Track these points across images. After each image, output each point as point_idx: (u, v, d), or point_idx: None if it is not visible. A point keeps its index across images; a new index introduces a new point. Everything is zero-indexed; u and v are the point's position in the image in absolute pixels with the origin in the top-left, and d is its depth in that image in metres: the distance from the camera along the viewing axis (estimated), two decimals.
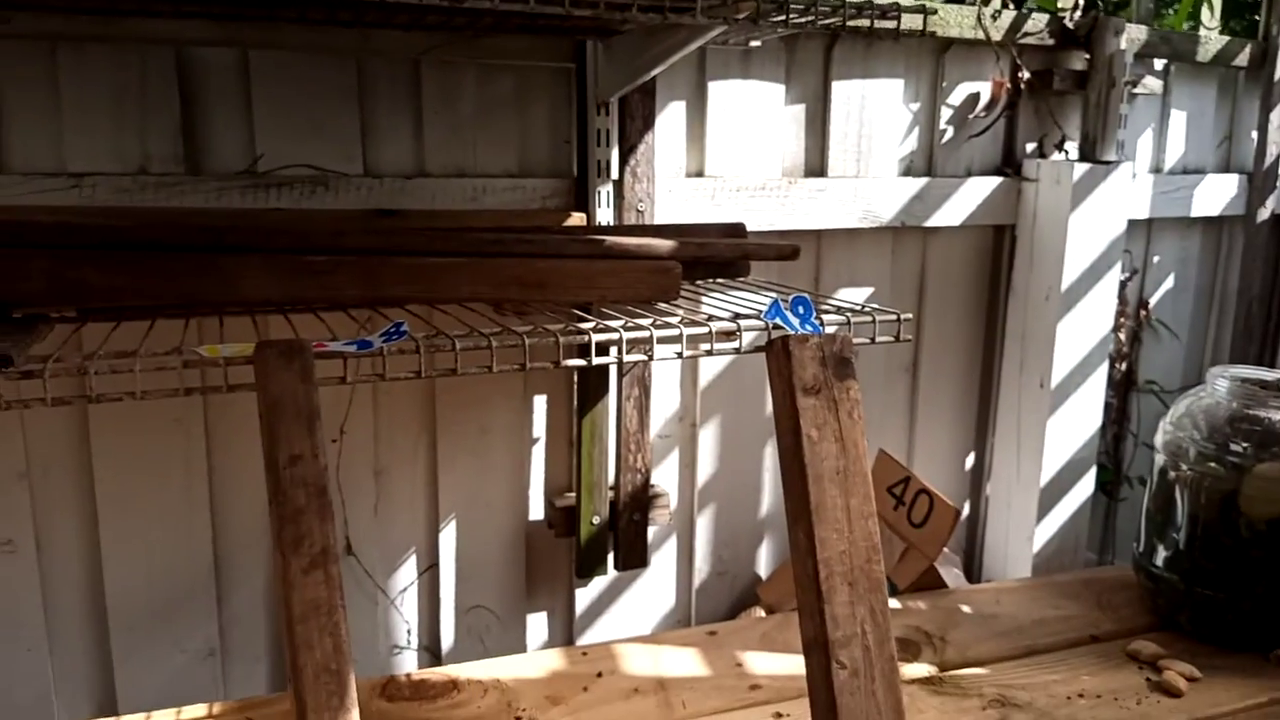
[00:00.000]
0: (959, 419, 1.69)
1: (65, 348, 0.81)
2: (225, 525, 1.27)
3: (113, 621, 1.22)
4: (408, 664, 1.39)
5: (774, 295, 1.01)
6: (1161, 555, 1.27)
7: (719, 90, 1.40)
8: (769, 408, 1.54)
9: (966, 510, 1.74)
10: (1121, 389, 1.92)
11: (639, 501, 1.39)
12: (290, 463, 0.71)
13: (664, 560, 1.50)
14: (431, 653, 1.39)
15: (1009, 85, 1.56)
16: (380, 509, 1.33)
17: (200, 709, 1.03)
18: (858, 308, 1.00)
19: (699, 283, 1.22)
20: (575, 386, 1.38)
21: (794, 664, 1.15)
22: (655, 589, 1.50)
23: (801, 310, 0.95)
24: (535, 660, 1.14)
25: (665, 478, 1.48)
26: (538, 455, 1.41)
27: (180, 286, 0.91)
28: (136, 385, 0.77)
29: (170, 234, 0.95)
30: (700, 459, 1.50)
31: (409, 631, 1.38)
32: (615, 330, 0.90)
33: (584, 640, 1.46)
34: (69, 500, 1.19)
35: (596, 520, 1.36)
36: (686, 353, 0.93)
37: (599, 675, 1.12)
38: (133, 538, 1.21)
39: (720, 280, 1.23)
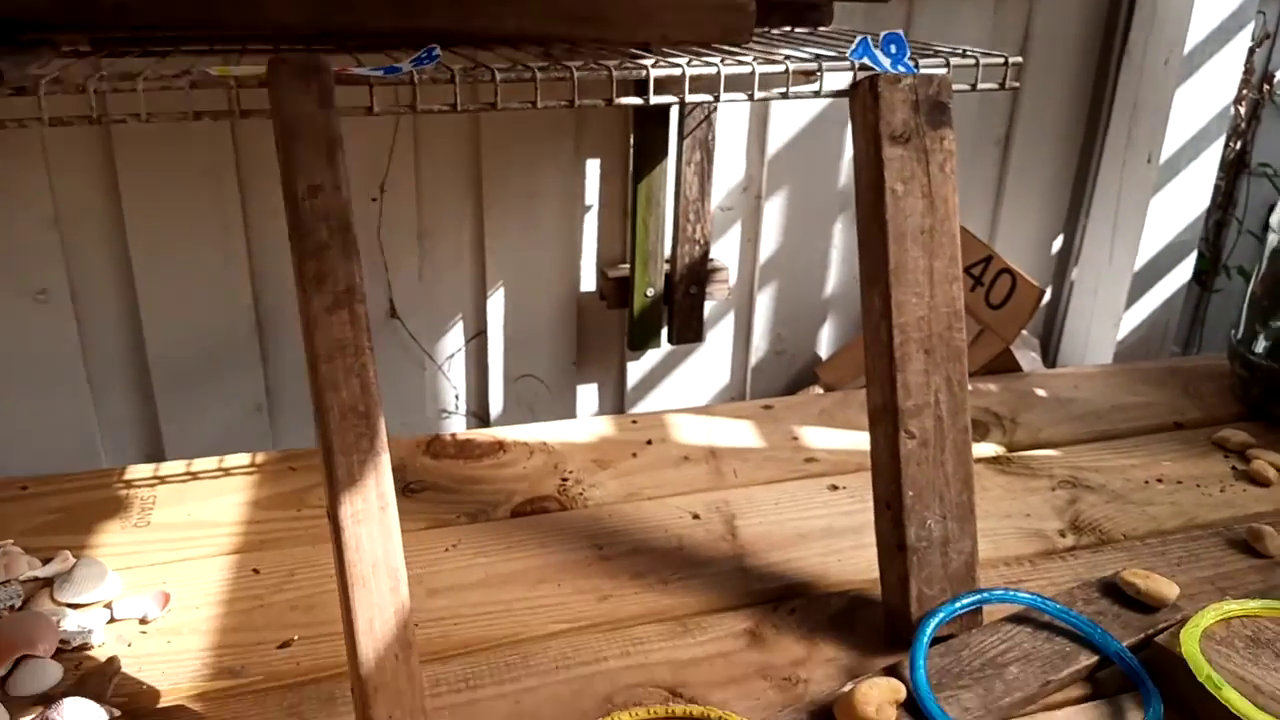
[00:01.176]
0: (1050, 198, 1.58)
1: (69, 70, 0.75)
2: (266, 279, 1.24)
3: (155, 374, 1.23)
4: (456, 428, 1.39)
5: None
6: (1262, 343, 1.18)
7: None
8: (842, 180, 1.44)
9: (1048, 296, 1.65)
10: (1231, 171, 1.77)
11: (696, 275, 1.33)
12: (309, 194, 0.65)
13: (720, 336, 1.46)
14: (480, 418, 1.39)
15: None
16: (425, 273, 1.30)
17: (243, 458, 1.03)
18: (957, 50, 0.89)
19: (772, 31, 1.11)
20: (631, 150, 1.29)
21: (853, 439, 1.12)
22: (710, 365, 1.47)
23: (894, 49, 0.84)
24: (584, 426, 1.13)
25: (725, 252, 1.41)
26: (590, 223, 1.34)
27: (192, 6, 0.84)
28: (141, 106, 0.71)
29: None
30: (764, 233, 1.42)
31: (457, 397, 1.37)
32: (678, 66, 0.81)
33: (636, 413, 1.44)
34: (102, 250, 1.17)
35: (650, 293, 1.31)
36: (759, 95, 0.83)
37: (648, 443, 1.10)
38: (170, 289, 1.20)
39: (799, 31, 1.12)
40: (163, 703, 0.72)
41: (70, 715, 0.66)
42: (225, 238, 1.20)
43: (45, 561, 0.85)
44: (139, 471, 1.00)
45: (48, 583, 0.82)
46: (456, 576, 0.87)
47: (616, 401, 1.44)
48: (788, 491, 1.02)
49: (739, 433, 1.13)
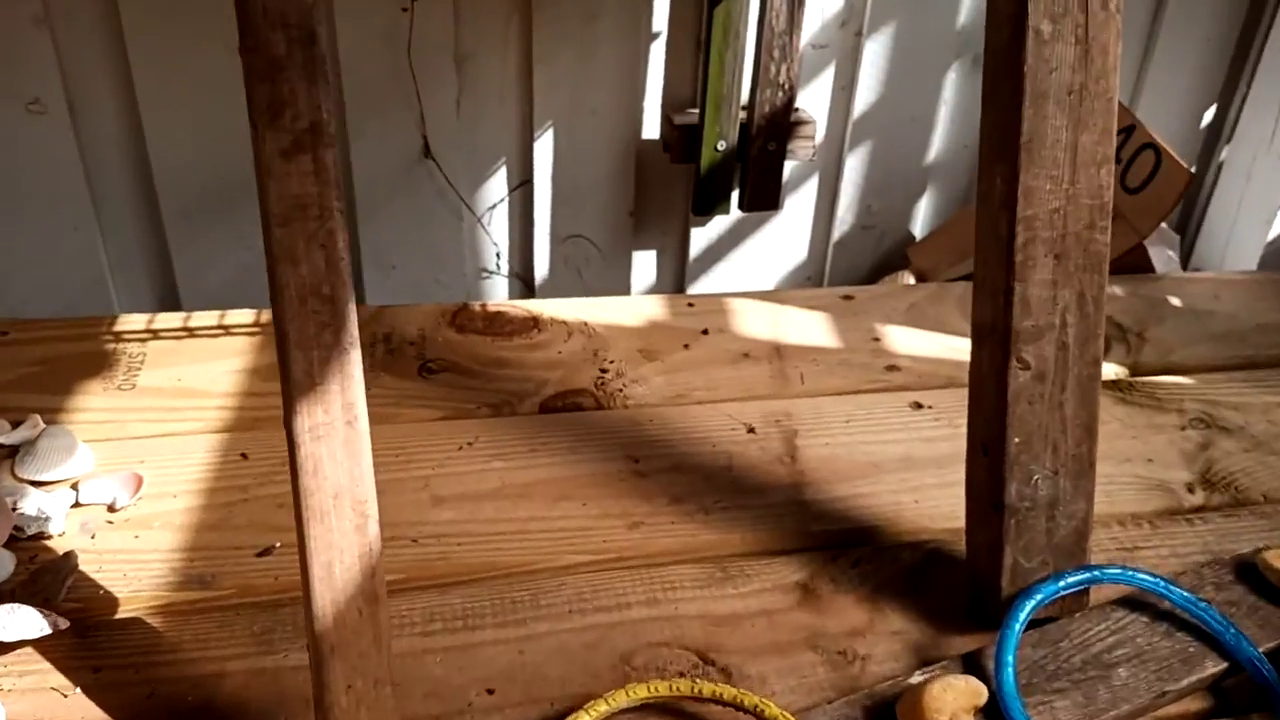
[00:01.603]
0: (1207, 62, 1.34)
1: None
2: None
3: (164, 205, 1.11)
4: (497, 290, 1.27)
5: None
6: None
7: None
8: (963, 15, 1.22)
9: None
10: None
11: (778, 127, 1.15)
12: None
13: (800, 204, 1.29)
14: (523, 281, 1.27)
15: None
16: (464, 106, 1.14)
17: (247, 315, 0.93)
18: None
19: None
20: None
21: (946, 347, 0.97)
22: (785, 237, 1.31)
23: None
24: (632, 306, 0.99)
25: (814, 101, 1.22)
26: (656, 56, 1.16)
27: None
28: None
29: None
30: (861, 80, 1.23)
31: (498, 255, 1.24)
32: None
33: (696, 289, 1.30)
34: (98, 56, 1.04)
35: (722, 146, 1.14)
36: None
37: (704, 332, 0.97)
38: (175, 105, 1.07)
39: None
40: (119, 613, 0.64)
41: (8, 625, 0.57)
42: (233, 47, 1.05)
43: (14, 425, 0.76)
44: (131, 323, 0.90)
45: (11, 452, 0.73)
46: (468, 483, 0.76)
47: (676, 273, 1.30)
48: (863, 406, 0.88)
49: (811, 327, 0.98)
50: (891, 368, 0.94)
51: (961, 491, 0.70)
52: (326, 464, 0.49)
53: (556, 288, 1.26)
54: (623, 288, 1.28)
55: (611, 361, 0.91)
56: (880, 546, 0.74)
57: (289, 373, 0.48)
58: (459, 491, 0.75)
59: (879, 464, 0.82)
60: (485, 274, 1.26)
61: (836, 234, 1.33)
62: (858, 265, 1.36)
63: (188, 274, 1.16)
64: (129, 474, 0.73)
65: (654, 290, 1.30)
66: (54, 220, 1.09)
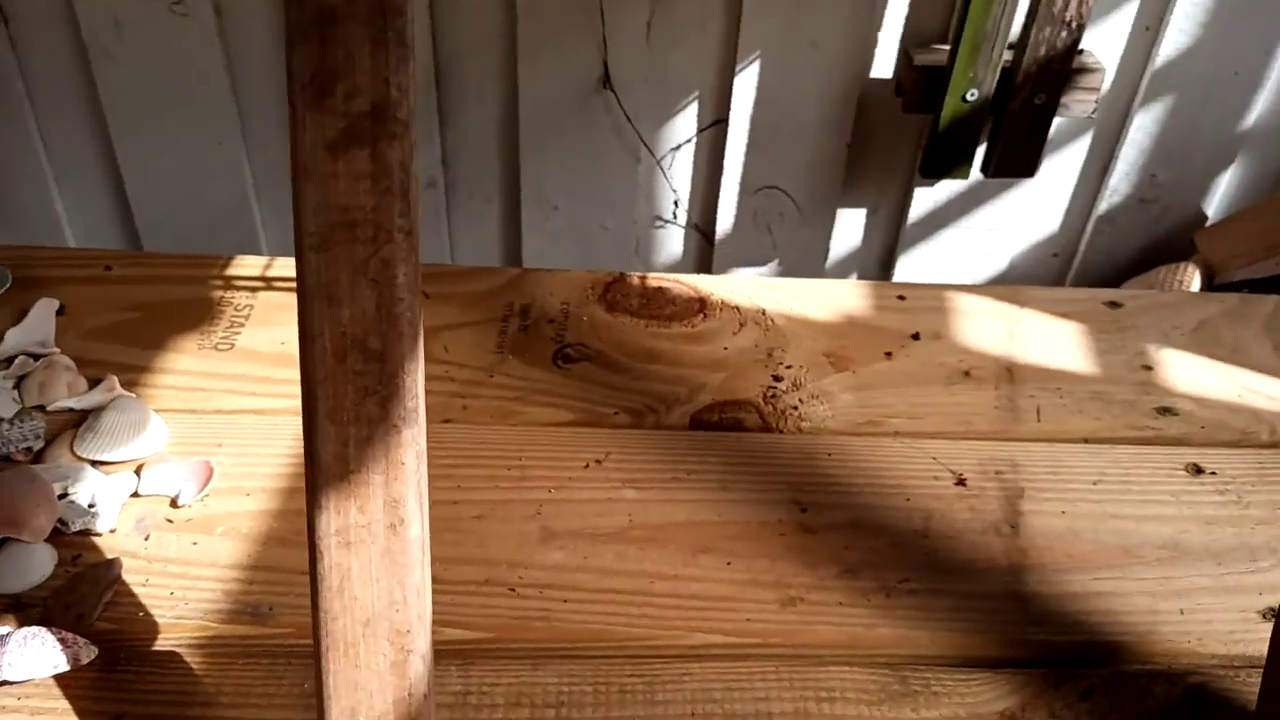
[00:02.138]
0: None
1: None
2: (446, 20, 0.99)
3: None
4: (671, 242, 1.13)
5: None
6: None
7: None
8: None
9: None
10: None
11: (1053, 75, 0.94)
12: None
13: (1060, 168, 1.07)
14: (702, 233, 1.12)
15: None
16: (656, 29, 0.99)
17: None
18: None
19: None
20: None
21: (1244, 388, 0.76)
22: (1033, 203, 1.09)
23: None
24: (823, 293, 0.83)
25: (1102, 43, 0.99)
26: None
27: None
28: None
29: None
30: (1174, 19, 0.98)
31: (676, 203, 1.10)
32: None
33: (907, 263, 1.11)
34: None
35: (973, 95, 0.94)
36: None
37: (915, 337, 0.80)
38: None
39: None
40: (156, 643, 0.56)
41: (15, 662, 0.50)
42: None
43: (92, 384, 0.70)
44: (245, 266, 0.83)
45: (79, 419, 0.67)
46: (588, 515, 0.64)
47: (887, 240, 1.12)
48: (1119, 463, 0.70)
49: (1058, 341, 0.80)
50: (1165, 410, 0.74)
51: (1246, 602, 0.52)
52: (357, 580, 0.37)
53: (739, 245, 1.10)
54: (818, 252, 1.11)
55: (788, 367, 0.76)
56: (1123, 673, 0.57)
57: (315, 453, 0.37)
58: (576, 526, 0.63)
59: (1132, 549, 0.64)
60: (660, 223, 1.12)
61: (1104, 205, 1.10)
62: (1124, 246, 1.13)
63: None
64: (200, 462, 0.65)
65: (856, 258, 1.13)
66: (200, 134, 1.03)
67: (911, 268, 1.12)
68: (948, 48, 0.97)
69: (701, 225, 1.12)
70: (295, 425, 0.69)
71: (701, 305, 0.82)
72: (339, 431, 0.38)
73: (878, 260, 1.14)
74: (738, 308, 0.82)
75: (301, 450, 0.67)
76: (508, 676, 0.55)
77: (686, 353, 0.77)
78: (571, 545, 0.62)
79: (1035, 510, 0.66)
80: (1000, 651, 0.58)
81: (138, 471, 0.64)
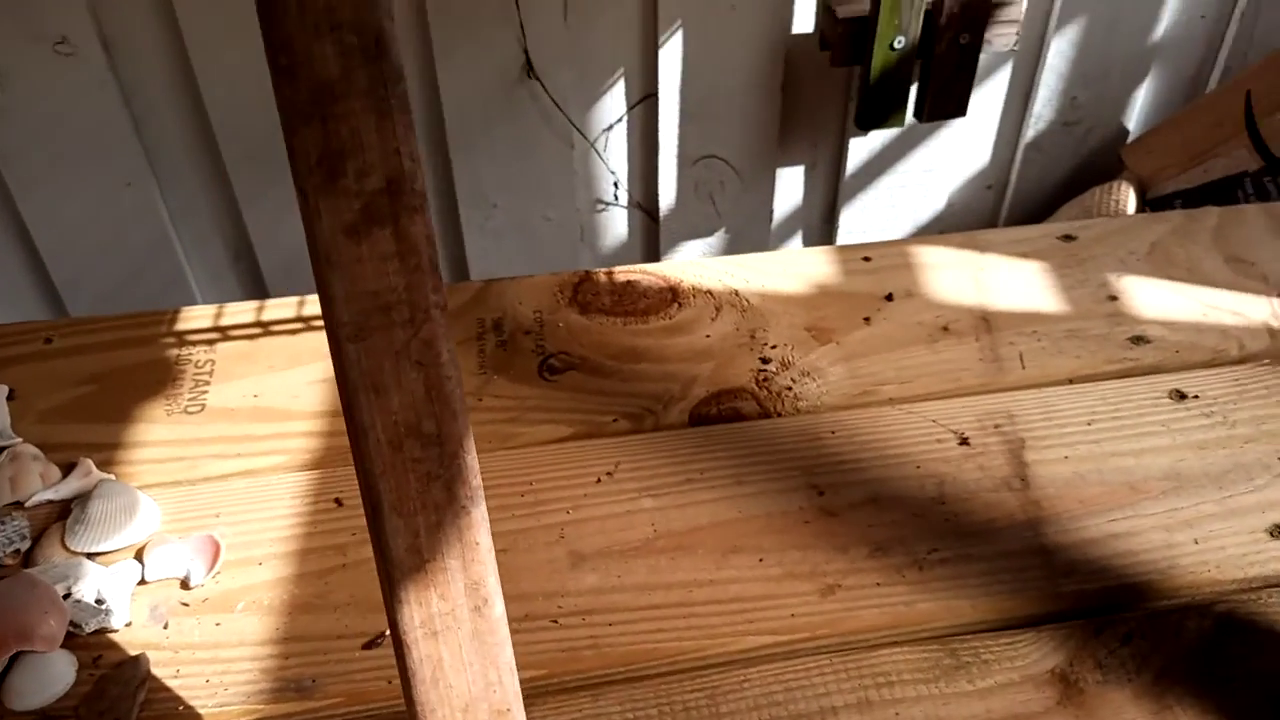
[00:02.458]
0: None
1: None
2: None
3: (225, 150, 0.99)
4: (614, 224, 1.12)
5: None
6: None
7: None
8: None
9: None
10: None
11: (974, 11, 0.94)
12: None
13: (985, 103, 1.09)
14: (646, 211, 1.11)
15: None
16: (572, 11, 0.97)
17: None
18: None
19: None
20: None
21: (1206, 305, 0.79)
22: (963, 141, 1.11)
23: None
24: (791, 263, 0.83)
25: None
26: None
27: None
28: None
29: None
30: None
31: (616, 185, 1.09)
32: None
33: (850, 214, 1.12)
34: None
35: (900, 43, 0.95)
36: None
37: (888, 298, 0.80)
38: (228, 39, 0.93)
39: None
40: None
41: None
42: None
43: (64, 471, 0.66)
44: (195, 318, 0.79)
45: (61, 511, 0.63)
46: (612, 532, 0.64)
47: (828, 192, 1.13)
48: (1106, 399, 0.72)
49: (1024, 282, 0.81)
50: (1138, 339, 0.77)
51: (1253, 523, 0.55)
52: (449, 669, 0.36)
53: (684, 219, 1.10)
54: (763, 216, 1.12)
55: (774, 347, 0.76)
56: (1155, 612, 0.60)
57: (387, 549, 0.35)
58: (602, 545, 0.63)
59: (1137, 485, 0.66)
60: (601, 206, 1.10)
61: (1030, 133, 1.12)
62: (1053, 170, 1.15)
63: (261, 224, 1.04)
64: (204, 538, 0.62)
65: (799, 216, 1.13)
66: (106, 177, 0.98)
67: (855, 219, 1.13)
68: None
69: (644, 204, 1.11)
70: (289, 482, 0.67)
71: (674, 294, 0.81)
72: (408, 523, 0.36)
73: (820, 216, 1.15)
74: (710, 292, 0.81)
75: (304, 508, 0.65)
76: (570, 712, 0.55)
77: (670, 346, 0.77)
78: (602, 566, 0.62)
79: (1039, 460, 0.68)
80: (1037, 608, 0.60)
81: (139, 557, 0.62)
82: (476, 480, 0.37)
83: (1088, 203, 1.04)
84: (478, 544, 0.38)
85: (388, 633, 0.57)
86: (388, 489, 0.36)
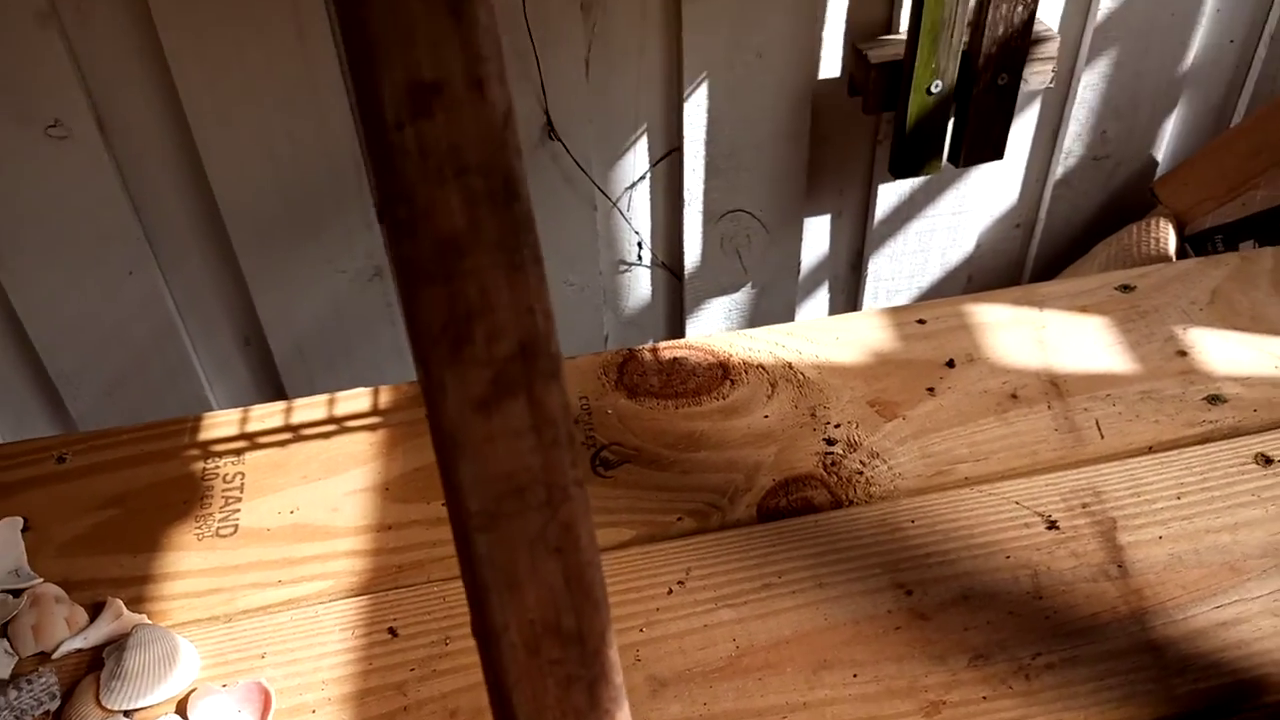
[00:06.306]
0: None
1: None
2: None
3: (233, 231, 0.94)
4: (638, 284, 1.08)
5: None
6: None
7: None
8: None
9: None
10: None
11: (1013, 50, 0.90)
12: (412, 110, 0.30)
13: (1015, 141, 1.06)
14: (670, 271, 1.07)
15: None
16: (594, 67, 0.93)
17: (362, 399, 0.75)
18: None
19: None
20: None
21: (1276, 356, 0.75)
22: (991, 181, 1.08)
23: None
24: (840, 330, 0.79)
25: (1044, 6, 0.97)
26: None
27: None
28: None
29: None
30: None
31: (640, 245, 1.05)
32: None
33: (878, 261, 1.08)
34: (127, 59, 0.85)
35: (938, 87, 0.91)
36: None
37: (949, 364, 0.76)
38: (229, 110, 0.88)
39: None
40: None
41: None
42: (300, 34, 0.85)
43: (91, 612, 0.61)
44: (219, 425, 0.75)
45: (93, 659, 0.58)
46: (691, 650, 0.59)
47: (854, 240, 1.09)
48: (1190, 468, 0.68)
49: (1088, 340, 0.78)
50: (1214, 398, 0.73)
51: None
52: None
53: (710, 276, 1.06)
54: (790, 268, 1.08)
55: (837, 425, 0.72)
56: (1274, 708, 0.55)
57: None
58: (682, 667, 0.58)
59: (1237, 565, 0.62)
60: (624, 267, 1.06)
61: (1059, 170, 1.09)
62: (1082, 207, 1.12)
63: (273, 306, 0.99)
64: (251, 685, 0.57)
65: (826, 266, 1.09)
66: (105, 266, 0.93)
67: (883, 266, 1.10)
68: (898, 37, 0.93)
69: (669, 262, 1.06)
70: (336, 611, 0.62)
71: (725, 371, 0.77)
72: (525, 707, 0.32)
73: (847, 264, 1.11)
74: (762, 366, 0.77)
75: (356, 641, 0.60)
76: None
77: (728, 430, 0.73)
78: (686, 693, 0.57)
79: (1133, 541, 0.64)
80: (1154, 712, 0.56)
81: (180, 710, 0.57)
82: (619, 678, 0.33)
83: (1125, 241, 1.01)
84: None
85: None
86: (522, 700, 0.31)
